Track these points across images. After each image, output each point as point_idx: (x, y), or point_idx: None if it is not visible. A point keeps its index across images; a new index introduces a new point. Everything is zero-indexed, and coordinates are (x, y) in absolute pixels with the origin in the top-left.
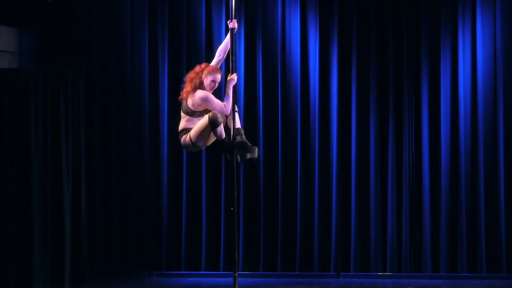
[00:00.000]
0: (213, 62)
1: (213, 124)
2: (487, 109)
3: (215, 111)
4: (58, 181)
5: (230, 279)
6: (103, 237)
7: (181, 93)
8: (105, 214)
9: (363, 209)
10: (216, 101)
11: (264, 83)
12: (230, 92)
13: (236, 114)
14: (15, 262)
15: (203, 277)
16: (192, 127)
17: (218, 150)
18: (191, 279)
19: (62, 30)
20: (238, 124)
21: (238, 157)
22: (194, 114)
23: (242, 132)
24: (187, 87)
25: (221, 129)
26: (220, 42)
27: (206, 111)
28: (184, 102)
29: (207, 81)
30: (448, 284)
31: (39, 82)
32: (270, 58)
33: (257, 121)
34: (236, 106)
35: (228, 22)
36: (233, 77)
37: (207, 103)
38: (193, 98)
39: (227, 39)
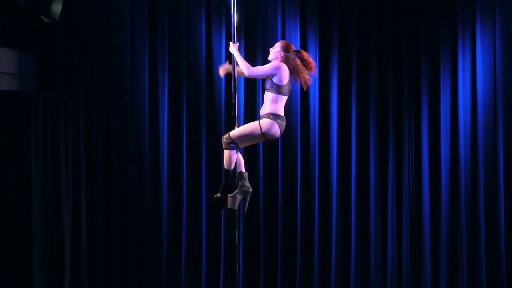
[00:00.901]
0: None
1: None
2: (487, 131)
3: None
4: (58, 207)
5: None
6: (101, 269)
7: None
8: (104, 243)
9: (363, 231)
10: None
11: None
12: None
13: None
14: (15, 264)
15: None
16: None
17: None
18: None
19: (62, 51)
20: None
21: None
22: None
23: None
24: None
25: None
26: (220, 60)
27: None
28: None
29: None
30: None
31: (39, 104)
32: None
33: (257, 147)
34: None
35: (231, 43)
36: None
37: None
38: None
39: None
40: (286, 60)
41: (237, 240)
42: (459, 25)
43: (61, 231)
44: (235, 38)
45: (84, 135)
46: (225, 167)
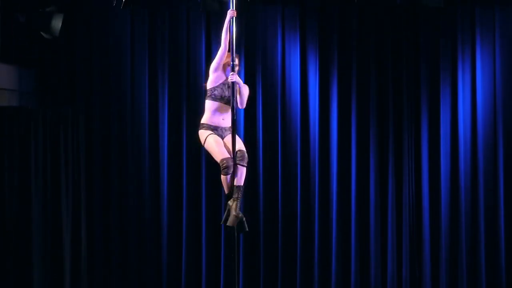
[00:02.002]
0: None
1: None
2: (486, 145)
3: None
4: (58, 207)
5: None
6: (101, 269)
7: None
8: (104, 244)
9: (363, 246)
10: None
11: (264, 121)
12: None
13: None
14: (15, 264)
15: None
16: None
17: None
18: None
19: (62, 67)
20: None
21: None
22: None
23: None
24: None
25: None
26: None
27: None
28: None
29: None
30: None
31: (39, 120)
32: (270, 96)
33: (257, 160)
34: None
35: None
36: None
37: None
38: None
39: (225, 26)
40: None
41: (237, 241)
42: (459, 40)
43: (61, 231)
44: (234, 53)
45: (84, 150)
46: None
